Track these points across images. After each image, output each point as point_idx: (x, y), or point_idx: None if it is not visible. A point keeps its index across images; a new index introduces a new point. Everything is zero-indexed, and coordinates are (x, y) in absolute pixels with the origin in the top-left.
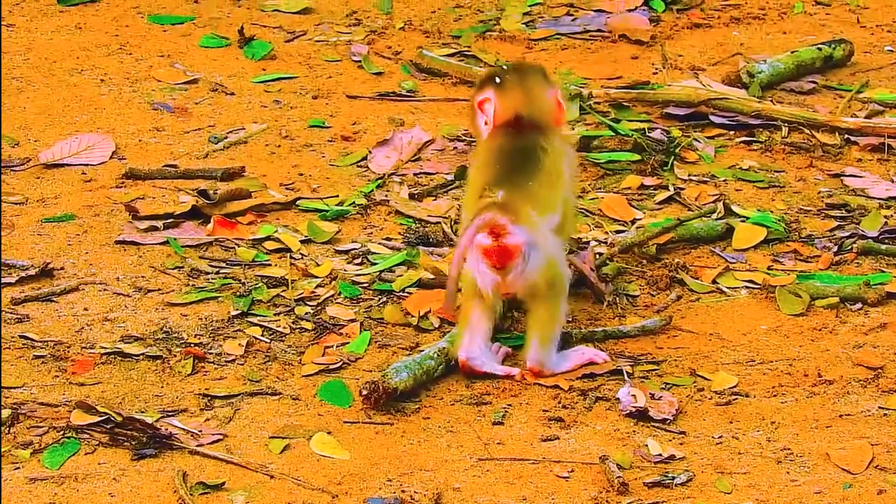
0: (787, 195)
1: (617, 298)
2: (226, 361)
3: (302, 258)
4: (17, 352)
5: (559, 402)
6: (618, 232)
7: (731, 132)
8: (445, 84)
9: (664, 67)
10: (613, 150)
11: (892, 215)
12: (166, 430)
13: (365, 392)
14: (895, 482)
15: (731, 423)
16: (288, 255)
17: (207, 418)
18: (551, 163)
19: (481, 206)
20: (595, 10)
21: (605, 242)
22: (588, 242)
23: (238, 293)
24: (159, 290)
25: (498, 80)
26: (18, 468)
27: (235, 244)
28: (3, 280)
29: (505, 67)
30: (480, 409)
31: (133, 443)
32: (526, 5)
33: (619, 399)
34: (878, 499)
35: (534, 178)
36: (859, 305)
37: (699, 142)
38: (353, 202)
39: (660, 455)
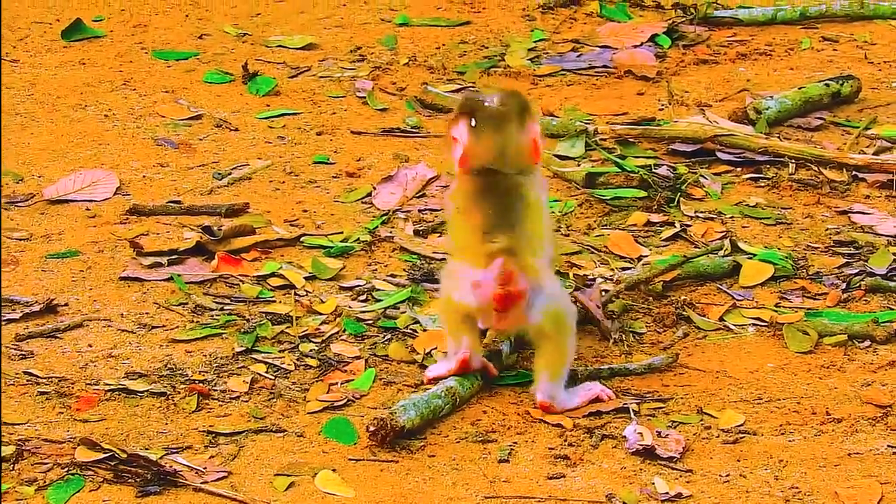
0: (794, 232)
1: (623, 336)
2: (230, 398)
3: (306, 295)
4: (21, 388)
5: (565, 440)
6: (624, 269)
7: (738, 169)
8: (450, 120)
9: (670, 103)
10: (619, 187)
11: None
12: (171, 467)
13: (372, 429)
14: None
15: (738, 461)
16: (292, 291)
17: (212, 455)
18: (535, 201)
19: (491, 251)
20: (600, 46)
21: (611, 279)
22: (594, 279)
23: (242, 330)
24: (163, 326)
25: (472, 122)
26: None
27: (240, 281)
28: (7, 317)
29: (481, 99)
30: (486, 447)
31: (137, 480)
32: (531, 41)
33: (625, 437)
34: None
35: (524, 220)
36: (868, 343)
37: (706, 178)
38: (358, 238)
39: (667, 493)
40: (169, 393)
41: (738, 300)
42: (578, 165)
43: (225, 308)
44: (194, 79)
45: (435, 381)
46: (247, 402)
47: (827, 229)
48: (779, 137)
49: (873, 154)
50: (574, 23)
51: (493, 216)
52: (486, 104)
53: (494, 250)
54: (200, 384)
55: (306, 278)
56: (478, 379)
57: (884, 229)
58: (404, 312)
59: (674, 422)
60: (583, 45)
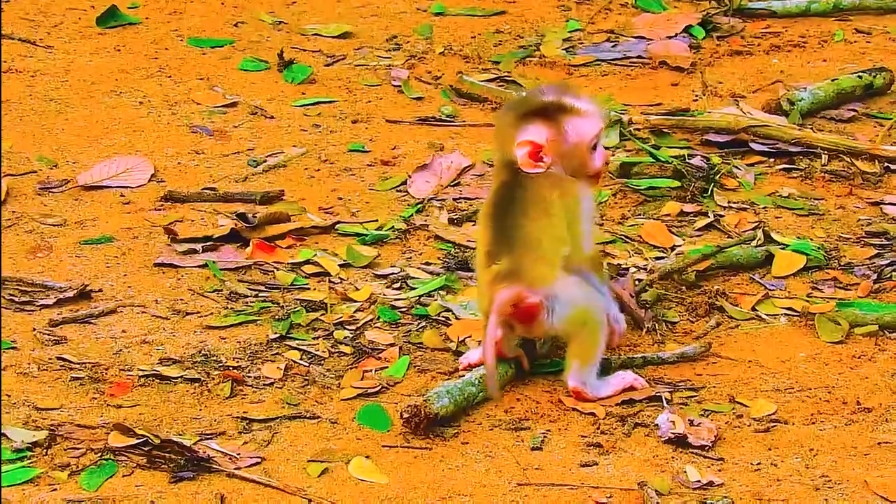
0: (826, 223)
1: (656, 325)
2: (264, 385)
3: (341, 282)
4: (54, 373)
5: (598, 428)
6: (657, 258)
7: (771, 159)
8: (485, 109)
9: (704, 94)
10: (653, 177)
11: None
12: (204, 452)
13: (406, 416)
14: None
15: (769, 449)
16: (327, 279)
17: (245, 441)
18: (546, 201)
19: (492, 282)
20: (635, 37)
21: (645, 269)
22: (627, 269)
23: (277, 317)
24: (198, 312)
25: (511, 109)
26: (56, 489)
27: (274, 268)
28: (41, 302)
29: (527, 94)
30: (519, 435)
31: (171, 465)
32: (566, 31)
33: (657, 425)
34: None
35: (530, 227)
36: None
37: (739, 169)
38: (393, 227)
39: (699, 481)
40: (203, 379)
41: (770, 290)
42: (613, 155)
43: (259, 295)
44: (230, 66)
45: (469, 368)
46: (280, 388)
47: (859, 220)
48: (812, 129)
49: None
50: (609, 13)
51: (498, 231)
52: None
53: (495, 277)
54: (234, 370)
55: (341, 266)
56: (511, 367)
57: None
58: (436, 300)
59: (706, 410)
60: (618, 36)
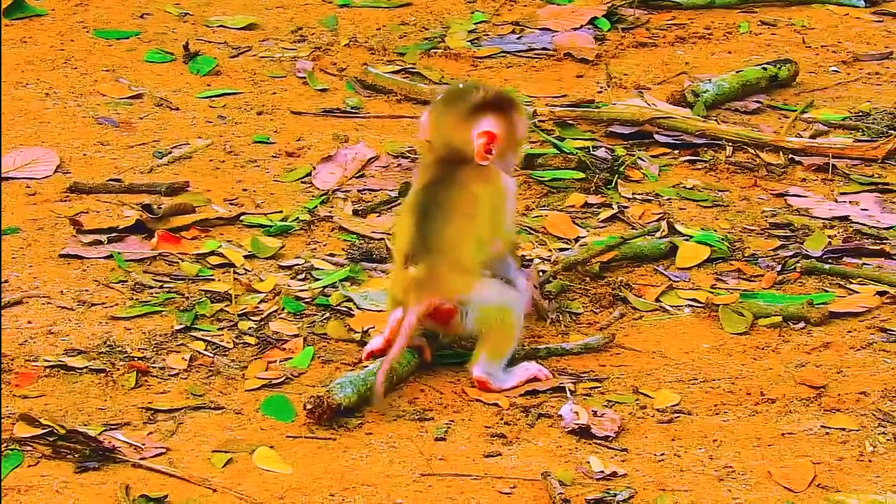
0: (730, 214)
1: (560, 316)
2: (169, 375)
3: (245, 273)
4: None
5: (501, 419)
6: (561, 250)
7: (676, 151)
8: (390, 101)
9: (609, 86)
10: (558, 168)
11: (835, 235)
12: (109, 443)
13: (309, 407)
14: (837, 500)
15: (673, 440)
16: (231, 270)
17: (150, 432)
18: (473, 199)
19: (407, 289)
20: (540, 29)
21: (549, 260)
22: (531, 260)
23: (182, 308)
24: (103, 303)
25: (436, 99)
26: None
27: (179, 259)
28: None
29: (456, 87)
30: (423, 425)
31: (76, 455)
32: (471, 23)
33: (561, 416)
34: None
35: (451, 232)
36: (802, 325)
37: (643, 160)
38: (297, 218)
39: (602, 472)
40: (108, 370)
41: (674, 281)
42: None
43: (164, 286)
44: (135, 58)
45: (373, 355)
46: (185, 379)
47: (763, 212)
48: (716, 120)
49: (810, 137)
50: (514, 5)
51: (417, 234)
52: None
53: (410, 283)
54: (139, 361)
55: (245, 257)
56: (415, 357)
57: (819, 212)
58: (338, 290)
59: (609, 401)
60: (523, 28)
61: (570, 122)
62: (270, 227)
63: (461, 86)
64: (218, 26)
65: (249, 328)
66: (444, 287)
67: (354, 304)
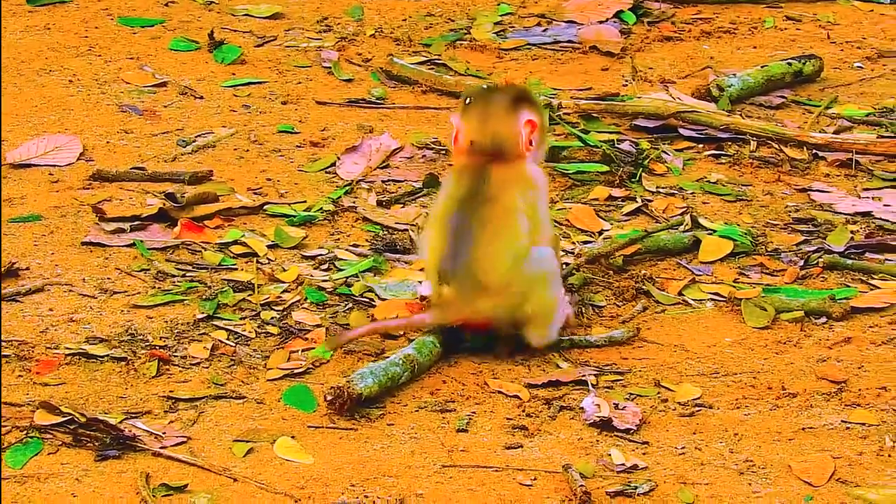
0: (754, 209)
1: (583, 309)
2: (190, 364)
3: (268, 263)
4: None
5: (523, 411)
6: (585, 243)
7: (700, 145)
8: (415, 92)
9: (634, 79)
10: (582, 161)
11: (858, 230)
12: (130, 431)
13: (330, 397)
14: (856, 495)
15: (694, 434)
16: (254, 259)
17: (171, 420)
18: (508, 209)
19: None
20: (566, 22)
21: (572, 253)
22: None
23: (204, 297)
24: (125, 292)
25: (466, 101)
26: None
27: (202, 248)
28: None
29: (482, 88)
30: (444, 416)
31: (96, 444)
32: (497, 15)
33: (583, 408)
34: None
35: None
36: (824, 319)
37: (668, 154)
38: (321, 208)
39: (623, 465)
40: (129, 358)
41: (697, 275)
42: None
43: (187, 275)
44: (160, 46)
45: (423, 298)
46: (207, 368)
47: (786, 207)
48: (741, 115)
49: (834, 133)
50: None
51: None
52: (482, 88)
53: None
54: (161, 350)
55: (269, 246)
56: (437, 346)
57: (842, 207)
58: (360, 281)
59: (631, 394)
60: (549, 20)
61: (594, 115)
62: (294, 216)
63: (485, 86)
64: (243, 15)
65: (272, 318)
66: (476, 308)
67: (376, 294)
